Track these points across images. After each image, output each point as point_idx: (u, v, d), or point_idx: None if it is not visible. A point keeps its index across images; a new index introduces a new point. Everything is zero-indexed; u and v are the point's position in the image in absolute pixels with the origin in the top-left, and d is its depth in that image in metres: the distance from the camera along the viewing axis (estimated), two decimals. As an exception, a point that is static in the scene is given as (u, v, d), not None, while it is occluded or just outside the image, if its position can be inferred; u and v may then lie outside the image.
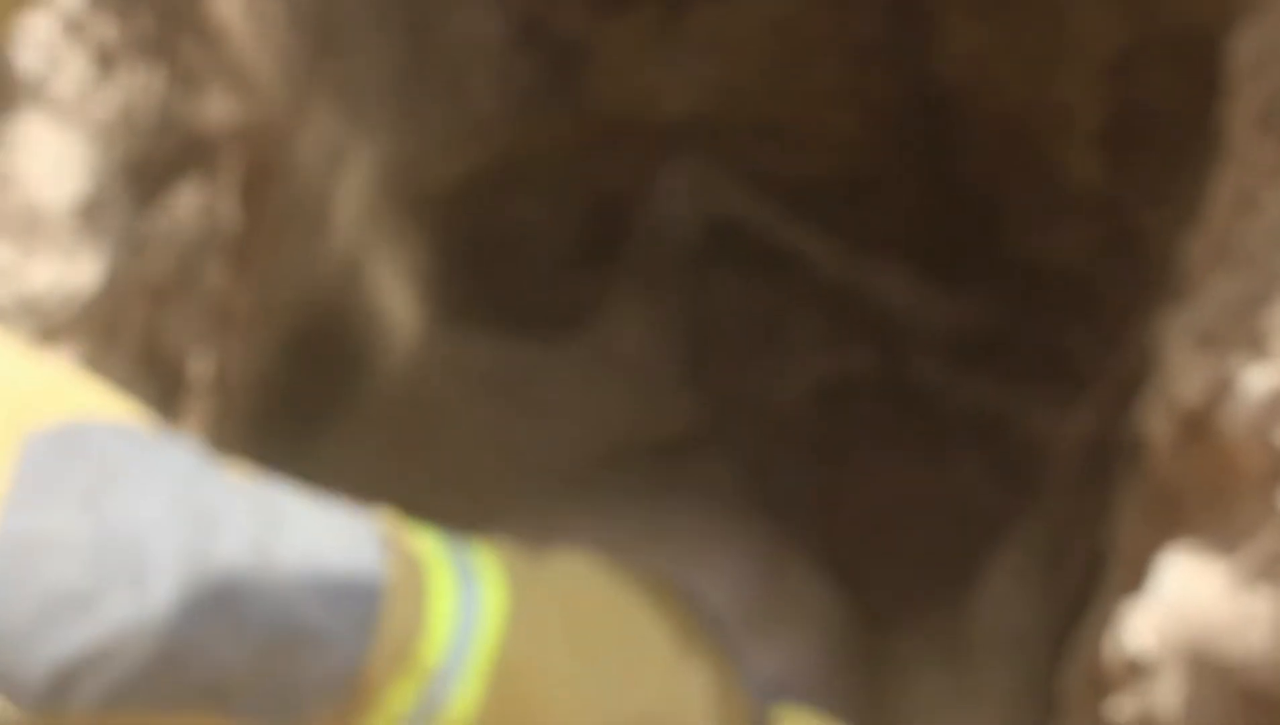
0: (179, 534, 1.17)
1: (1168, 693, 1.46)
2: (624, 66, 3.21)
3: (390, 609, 1.29)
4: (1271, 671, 1.37)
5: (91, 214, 1.92)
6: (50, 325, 1.84)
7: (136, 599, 1.13)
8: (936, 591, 2.86)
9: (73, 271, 1.91)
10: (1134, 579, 1.76)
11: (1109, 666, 1.51)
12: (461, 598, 1.39)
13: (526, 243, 3.36)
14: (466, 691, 1.39)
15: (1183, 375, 1.74)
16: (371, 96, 2.79)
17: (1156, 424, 1.80)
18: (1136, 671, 1.47)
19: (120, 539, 1.15)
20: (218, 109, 2.19)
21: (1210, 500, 1.64)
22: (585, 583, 1.51)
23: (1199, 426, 1.69)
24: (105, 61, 1.96)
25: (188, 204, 2.12)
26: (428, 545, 1.40)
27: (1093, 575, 2.19)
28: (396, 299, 3.07)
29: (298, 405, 2.55)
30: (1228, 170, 2.02)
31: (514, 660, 1.42)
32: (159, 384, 2.05)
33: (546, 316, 3.31)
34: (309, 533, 1.27)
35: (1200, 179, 2.23)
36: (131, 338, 1.99)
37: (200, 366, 2.15)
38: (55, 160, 1.91)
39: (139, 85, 2.03)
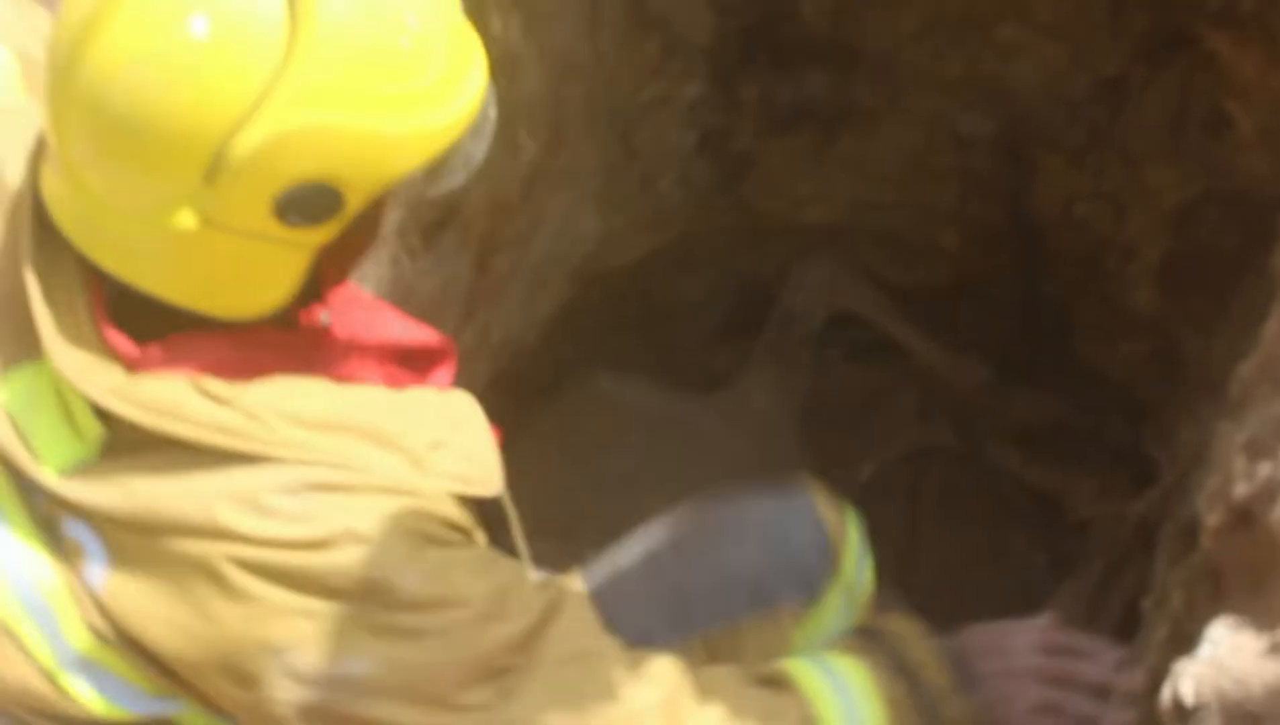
0: None
1: (1208, 734, 1.54)
2: (782, 177, 3.31)
3: None
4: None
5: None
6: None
7: None
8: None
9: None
10: (1180, 638, 1.82)
11: (1163, 713, 1.58)
12: None
13: (687, 313, 3.48)
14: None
15: (1236, 475, 1.79)
16: (582, 185, 2.93)
17: (1210, 513, 1.84)
18: (1185, 718, 1.54)
19: None
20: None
21: (1253, 579, 1.69)
22: None
23: (1247, 518, 1.74)
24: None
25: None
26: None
27: (1124, 634, 2.24)
28: (581, 347, 3.22)
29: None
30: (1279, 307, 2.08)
31: None
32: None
33: (696, 375, 3.43)
34: None
35: (1243, 311, 2.28)
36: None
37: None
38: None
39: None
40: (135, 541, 1.39)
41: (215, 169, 1.31)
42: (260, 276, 1.42)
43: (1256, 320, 2.18)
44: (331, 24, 1.31)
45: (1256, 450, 1.77)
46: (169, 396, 1.37)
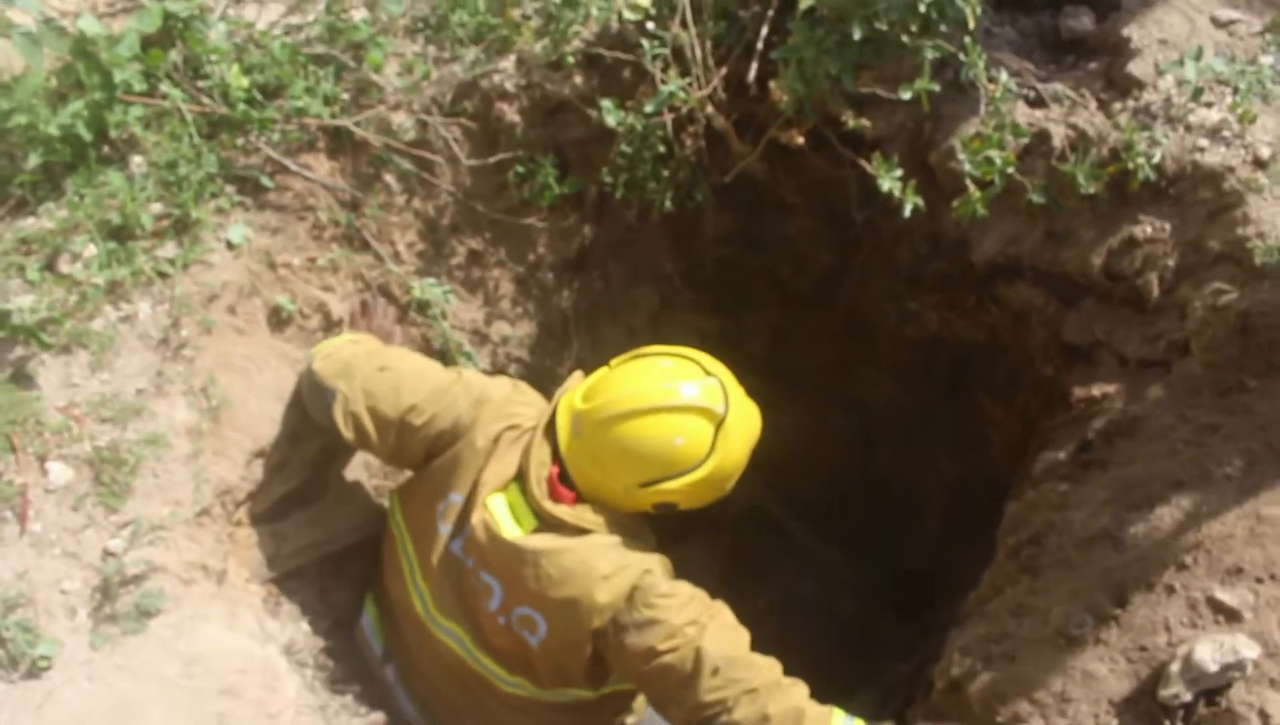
0: None
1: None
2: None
3: None
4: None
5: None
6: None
7: None
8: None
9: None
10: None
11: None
12: None
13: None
14: None
15: (954, 663, 2.31)
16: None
17: (939, 680, 2.37)
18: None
19: None
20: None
21: (961, 714, 2.21)
22: None
23: (957, 687, 2.27)
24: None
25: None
26: None
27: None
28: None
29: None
30: (991, 571, 2.57)
31: None
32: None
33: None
34: None
35: (983, 551, 2.70)
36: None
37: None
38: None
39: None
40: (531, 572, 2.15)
41: (653, 486, 2.15)
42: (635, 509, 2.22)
43: (986, 562, 2.65)
44: (721, 456, 2.17)
45: (966, 651, 2.30)
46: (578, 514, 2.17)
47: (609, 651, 2.16)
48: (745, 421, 2.24)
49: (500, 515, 2.19)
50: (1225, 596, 2.00)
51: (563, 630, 2.17)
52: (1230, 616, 1.98)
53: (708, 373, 2.22)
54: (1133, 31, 2.78)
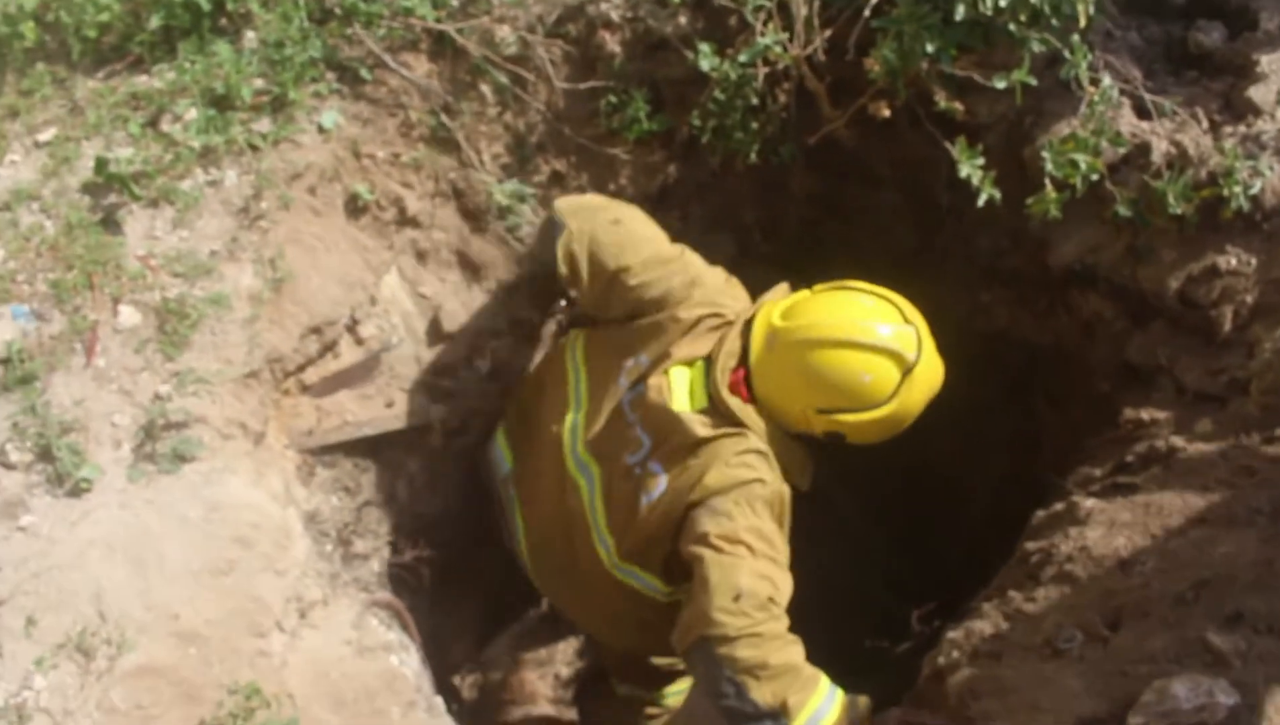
0: None
1: None
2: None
3: None
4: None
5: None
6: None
7: None
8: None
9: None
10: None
11: None
12: None
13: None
14: None
15: (942, 653, 2.34)
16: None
17: (925, 668, 2.39)
18: None
19: None
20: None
21: (934, 705, 2.24)
22: None
23: (940, 677, 2.30)
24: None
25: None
26: None
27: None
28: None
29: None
30: (1002, 573, 2.56)
31: None
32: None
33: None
34: None
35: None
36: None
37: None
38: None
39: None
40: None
41: (830, 414, 2.30)
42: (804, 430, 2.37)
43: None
44: (902, 401, 2.28)
45: (955, 644, 2.32)
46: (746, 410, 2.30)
47: (684, 525, 2.28)
48: (931, 373, 2.33)
49: (678, 387, 2.37)
50: (1218, 640, 1.97)
51: (671, 497, 2.29)
52: (1218, 660, 1.96)
53: (906, 320, 2.33)
54: (1262, 55, 2.69)
